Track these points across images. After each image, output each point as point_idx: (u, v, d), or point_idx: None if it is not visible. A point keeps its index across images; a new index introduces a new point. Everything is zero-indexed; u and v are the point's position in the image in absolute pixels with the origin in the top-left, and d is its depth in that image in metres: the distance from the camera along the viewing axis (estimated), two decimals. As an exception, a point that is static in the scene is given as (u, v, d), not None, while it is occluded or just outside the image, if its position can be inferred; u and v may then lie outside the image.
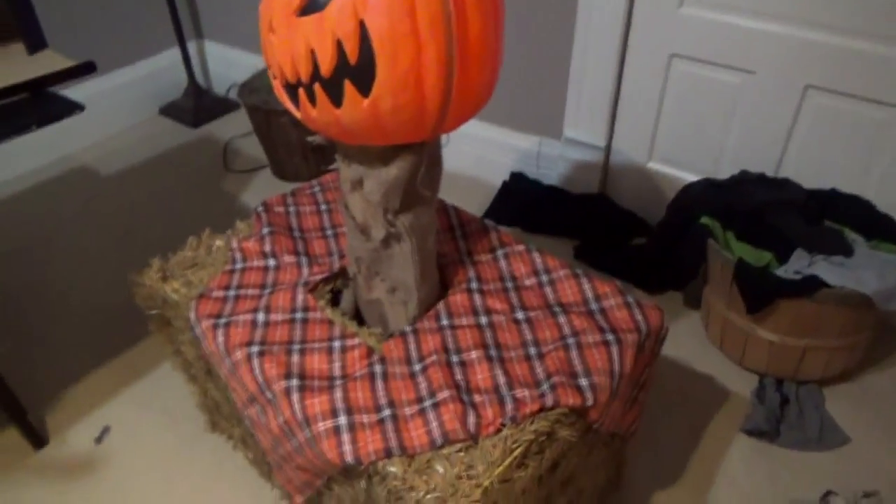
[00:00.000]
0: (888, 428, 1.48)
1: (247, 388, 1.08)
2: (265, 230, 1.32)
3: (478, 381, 1.03)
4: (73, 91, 2.45)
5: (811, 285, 1.37)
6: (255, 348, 1.08)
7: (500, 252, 1.27)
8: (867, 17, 1.47)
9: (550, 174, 2.15)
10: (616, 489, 1.36)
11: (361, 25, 0.84)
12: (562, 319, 1.12)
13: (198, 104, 2.73)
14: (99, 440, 1.50)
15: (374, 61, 0.86)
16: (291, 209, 1.40)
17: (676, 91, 1.81)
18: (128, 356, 1.69)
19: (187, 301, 1.20)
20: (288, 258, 1.27)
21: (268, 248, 1.28)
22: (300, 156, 2.29)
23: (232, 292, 1.20)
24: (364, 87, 0.88)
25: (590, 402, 0.99)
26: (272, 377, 1.03)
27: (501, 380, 1.02)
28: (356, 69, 0.87)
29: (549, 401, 0.97)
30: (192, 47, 2.81)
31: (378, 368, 1.04)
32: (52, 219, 2.19)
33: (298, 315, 1.15)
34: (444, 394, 0.99)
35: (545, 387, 1.00)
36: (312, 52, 0.87)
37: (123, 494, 1.39)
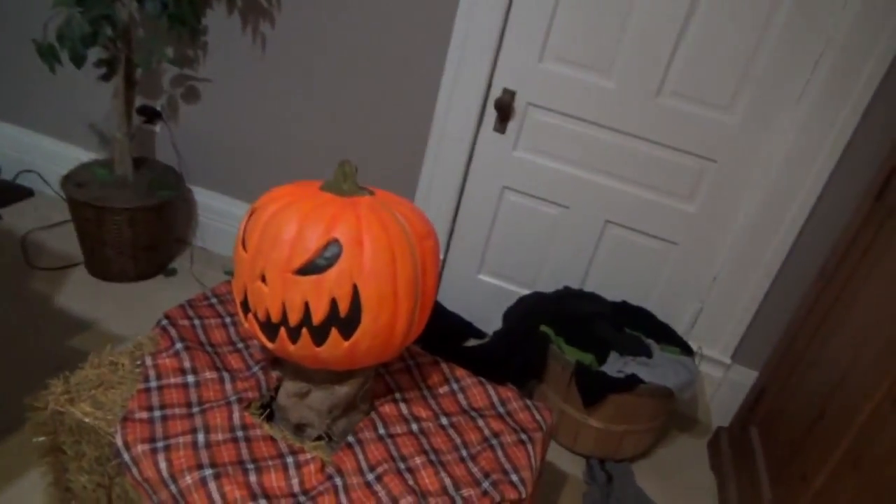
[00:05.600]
0: (681, 491, 1.88)
1: (196, 513, 1.05)
2: (179, 345, 1.29)
3: (427, 485, 1.15)
4: None
5: (634, 382, 1.74)
6: (209, 471, 1.06)
7: (411, 362, 1.42)
8: (645, 173, 1.97)
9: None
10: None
11: (354, 288, 1.05)
12: (480, 423, 1.30)
13: (-18, 189, 2.41)
14: None
15: (361, 315, 1.06)
16: (196, 322, 1.39)
17: (506, 216, 2.16)
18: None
19: (106, 425, 1.13)
20: (209, 374, 1.26)
21: (187, 364, 1.26)
22: (130, 256, 2.16)
23: (157, 413, 1.16)
24: (347, 334, 1.08)
25: (524, 494, 1.17)
26: (235, 500, 1.04)
27: (447, 482, 1.16)
28: (343, 320, 1.06)
29: (496, 497, 1.14)
30: (-25, 125, 2.50)
31: (338, 482, 1.11)
32: None
33: (239, 433, 1.16)
34: (406, 500, 1.09)
35: (486, 484, 1.16)
36: (306, 305, 1.05)
37: None
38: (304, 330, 1.06)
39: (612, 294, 2.15)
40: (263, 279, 1.06)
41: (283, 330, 1.08)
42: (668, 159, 1.93)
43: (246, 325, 1.15)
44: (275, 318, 1.07)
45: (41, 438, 1.19)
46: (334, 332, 1.06)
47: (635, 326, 2.02)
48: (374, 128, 2.14)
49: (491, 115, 2.04)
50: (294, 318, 1.06)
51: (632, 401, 1.78)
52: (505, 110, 2.00)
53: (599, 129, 1.96)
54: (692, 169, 1.92)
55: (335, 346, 1.07)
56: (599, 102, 1.92)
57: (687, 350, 1.94)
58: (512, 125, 2.03)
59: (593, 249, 2.12)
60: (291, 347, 1.09)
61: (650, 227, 2.03)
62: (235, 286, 1.15)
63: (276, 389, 1.27)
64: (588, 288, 2.18)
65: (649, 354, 1.88)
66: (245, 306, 1.14)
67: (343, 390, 1.20)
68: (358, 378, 1.21)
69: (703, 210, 1.96)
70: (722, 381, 2.09)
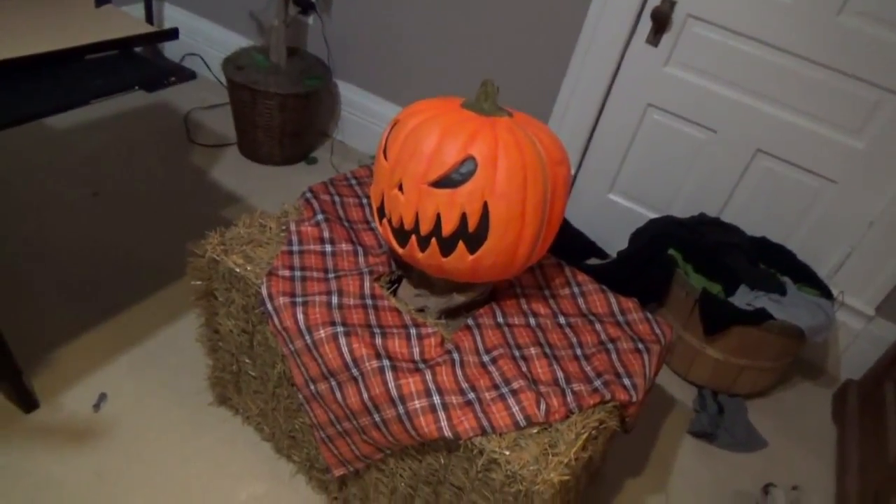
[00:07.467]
0: (796, 435, 1.82)
1: (326, 364, 1.15)
2: (320, 217, 1.38)
3: (539, 374, 1.18)
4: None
5: (762, 316, 1.67)
6: (340, 328, 1.15)
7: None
8: (810, 100, 1.80)
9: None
10: (598, 476, 1.57)
11: (485, 205, 1.07)
12: (598, 327, 1.30)
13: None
14: (97, 407, 1.46)
15: (488, 232, 1.09)
16: (336, 198, 1.47)
17: (646, 136, 2.07)
18: (118, 322, 1.65)
19: (254, 276, 1.24)
20: (345, 246, 1.34)
21: (326, 234, 1.35)
22: (277, 140, 2.30)
23: (298, 273, 1.26)
24: (473, 248, 1.11)
25: (634, 398, 1.18)
26: (362, 356, 1.12)
27: (559, 374, 1.18)
28: (471, 235, 1.10)
29: (606, 395, 1.15)
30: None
31: (456, 357, 1.16)
32: (21, 175, 2.04)
33: (369, 301, 1.23)
34: (519, 383, 1.13)
35: (598, 383, 1.18)
36: (438, 216, 1.09)
37: (141, 464, 1.38)
38: (434, 240, 1.12)
39: (750, 228, 2.03)
40: (400, 188, 1.12)
41: (413, 238, 1.14)
42: (839, 87, 1.76)
43: (380, 229, 1.21)
44: (407, 225, 1.13)
45: (198, 282, 1.33)
46: (461, 246, 1.11)
47: (772, 264, 1.91)
48: (521, 37, 2.09)
49: (645, 25, 1.93)
50: (425, 227, 1.11)
51: (758, 336, 1.71)
52: (662, 21, 1.89)
53: (764, 47, 1.80)
54: (866, 100, 1.74)
55: (460, 259, 1.12)
56: (769, 18, 1.76)
57: (826, 294, 1.82)
58: (667, 38, 1.92)
59: (737, 179, 2.00)
60: (419, 255, 1.15)
61: (807, 162, 1.87)
62: (373, 192, 1.22)
63: (402, 275, 1.33)
64: (725, 219, 2.07)
65: (783, 292, 1.78)
66: (381, 212, 1.20)
67: (459, 299, 1.26)
68: (474, 291, 1.27)
69: (872, 147, 1.78)
70: (860, 333, 1.95)
